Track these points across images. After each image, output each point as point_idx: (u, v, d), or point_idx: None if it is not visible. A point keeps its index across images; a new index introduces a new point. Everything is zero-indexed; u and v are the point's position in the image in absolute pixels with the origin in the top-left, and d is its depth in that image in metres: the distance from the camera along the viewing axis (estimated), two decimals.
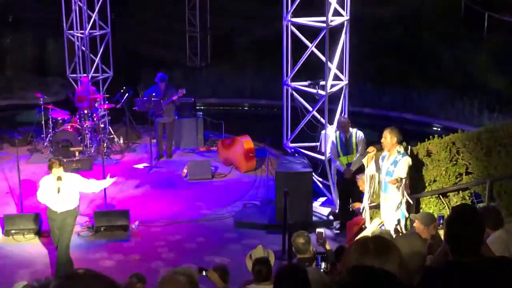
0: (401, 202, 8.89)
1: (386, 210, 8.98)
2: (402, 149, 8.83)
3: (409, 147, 9.69)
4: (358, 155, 11.02)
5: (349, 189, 10.89)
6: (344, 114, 11.75)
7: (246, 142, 13.92)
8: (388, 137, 8.77)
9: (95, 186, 9.70)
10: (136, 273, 7.38)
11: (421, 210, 9.72)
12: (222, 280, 6.75)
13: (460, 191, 9.75)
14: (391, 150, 8.80)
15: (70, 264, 9.51)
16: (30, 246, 10.69)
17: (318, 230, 7.66)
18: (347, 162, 11.09)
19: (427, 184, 9.97)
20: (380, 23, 20.91)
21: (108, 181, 9.77)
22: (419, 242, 4.05)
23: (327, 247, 7.52)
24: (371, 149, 9.18)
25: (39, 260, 10.27)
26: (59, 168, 9.09)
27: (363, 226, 9.43)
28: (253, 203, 12.37)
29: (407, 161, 8.77)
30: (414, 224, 7.12)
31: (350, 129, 11.15)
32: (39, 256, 10.40)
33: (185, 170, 13.58)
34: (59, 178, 9.10)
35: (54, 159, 9.52)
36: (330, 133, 11.42)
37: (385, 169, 8.86)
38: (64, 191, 9.21)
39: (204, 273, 6.64)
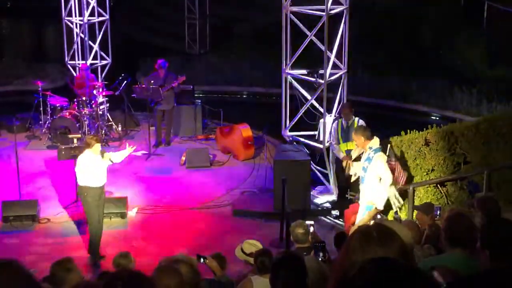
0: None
1: (362, 201, 9.10)
2: (374, 144, 8.87)
3: (389, 145, 9.72)
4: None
5: (348, 177, 10.90)
6: (343, 102, 11.74)
7: (245, 130, 13.91)
8: (359, 138, 8.98)
9: (118, 157, 9.97)
10: (122, 254, 6.97)
11: (417, 199, 9.74)
12: (220, 268, 6.77)
13: (458, 181, 9.76)
14: (365, 147, 8.95)
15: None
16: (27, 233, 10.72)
17: (307, 222, 7.54)
18: (347, 149, 11.09)
19: (425, 174, 9.99)
20: (379, 11, 20.85)
21: (128, 150, 10.02)
22: (405, 232, 4.02)
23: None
24: (344, 163, 9.83)
25: (36, 246, 10.29)
26: (99, 143, 9.53)
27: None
28: (251, 191, 12.38)
29: (380, 158, 8.82)
30: (416, 214, 7.13)
31: (353, 116, 11.15)
32: (36, 242, 10.42)
33: (183, 158, 13.58)
34: (102, 152, 9.56)
35: (92, 135, 10.09)
36: (329, 122, 11.41)
37: (361, 165, 9.07)
38: (100, 166, 9.53)
39: (202, 260, 6.65)
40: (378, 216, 8.69)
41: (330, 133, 11.40)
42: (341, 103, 11.71)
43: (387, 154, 9.38)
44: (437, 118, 17.40)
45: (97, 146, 9.44)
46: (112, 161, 9.90)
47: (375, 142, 8.91)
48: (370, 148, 8.87)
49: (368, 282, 2.21)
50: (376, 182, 8.84)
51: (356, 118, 11.21)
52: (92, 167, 9.50)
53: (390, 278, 2.19)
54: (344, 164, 10.89)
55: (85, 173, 9.55)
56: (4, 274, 2.35)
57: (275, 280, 4.78)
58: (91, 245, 9.84)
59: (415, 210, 7.11)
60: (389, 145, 9.83)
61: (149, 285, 2.79)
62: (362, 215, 8.90)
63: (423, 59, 19.23)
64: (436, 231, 6.48)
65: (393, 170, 9.37)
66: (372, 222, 7.30)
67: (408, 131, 10.58)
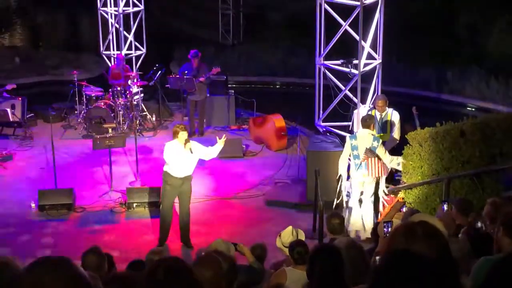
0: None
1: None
2: (355, 132, 10.02)
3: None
4: (392, 135, 10.99)
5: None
6: (377, 93, 11.64)
7: (278, 121, 13.90)
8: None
9: (213, 151, 9.88)
10: (93, 248, 5.81)
11: (452, 191, 9.64)
12: (259, 259, 6.80)
13: (493, 173, 9.62)
14: None
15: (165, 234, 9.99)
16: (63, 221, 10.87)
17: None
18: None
19: (460, 165, 9.87)
20: (414, 0, 20.62)
21: (221, 142, 9.86)
22: (439, 226, 3.97)
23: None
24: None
25: (72, 235, 10.43)
26: (185, 132, 9.45)
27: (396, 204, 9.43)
28: (284, 181, 12.38)
29: (346, 141, 10.14)
30: (450, 209, 7.01)
31: (387, 108, 11.09)
32: (71, 231, 10.56)
33: None
34: (187, 141, 9.43)
35: (179, 124, 9.89)
36: (363, 113, 11.33)
37: None
38: (184, 156, 9.48)
39: (236, 248, 6.73)
40: (405, 208, 8.61)
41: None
42: (376, 93, 11.61)
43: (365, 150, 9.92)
44: (473, 109, 17.17)
45: (182, 135, 9.40)
46: (205, 157, 9.84)
47: (360, 131, 9.96)
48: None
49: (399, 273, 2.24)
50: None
51: (391, 110, 11.13)
52: (174, 155, 9.52)
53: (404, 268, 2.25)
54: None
55: (167, 160, 9.64)
56: (56, 272, 2.38)
57: (311, 272, 4.76)
58: (160, 230, 10.01)
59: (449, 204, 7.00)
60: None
61: (188, 273, 2.82)
62: None
63: (459, 48, 18.97)
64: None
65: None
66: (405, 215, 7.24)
67: (444, 122, 10.45)
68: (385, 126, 11.09)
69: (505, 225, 4.31)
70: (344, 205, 10.35)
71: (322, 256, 4.70)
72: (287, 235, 6.86)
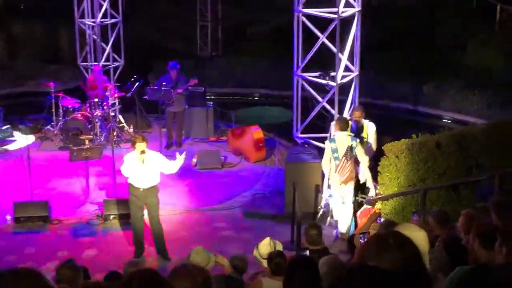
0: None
1: None
2: (336, 136, 10.22)
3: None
4: (368, 146, 11.04)
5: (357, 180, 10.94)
6: (355, 105, 11.71)
7: (256, 132, 13.92)
8: (334, 126, 10.44)
9: (173, 166, 9.78)
10: (67, 262, 5.80)
11: (429, 203, 9.70)
12: (239, 270, 6.77)
13: (469, 184, 9.70)
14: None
15: (140, 246, 9.95)
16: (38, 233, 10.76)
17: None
18: None
19: (436, 177, 9.94)
20: (391, 13, 20.79)
21: (181, 158, 9.78)
22: (421, 235, 3.98)
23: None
24: None
25: (47, 247, 10.32)
26: (143, 143, 9.33)
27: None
28: (262, 193, 12.37)
29: (326, 146, 10.37)
30: (429, 220, 7.04)
31: (363, 120, 11.15)
32: (47, 243, 10.46)
33: (194, 160, 13.59)
34: (142, 152, 9.32)
35: (137, 134, 9.89)
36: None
37: None
38: (147, 166, 9.41)
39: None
40: (382, 219, 8.68)
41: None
42: (353, 105, 11.68)
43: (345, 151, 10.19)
44: (450, 121, 17.33)
45: (138, 146, 9.33)
46: (166, 171, 9.72)
47: (339, 134, 10.18)
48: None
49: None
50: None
51: (366, 121, 11.20)
52: (131, 166, 9.50)
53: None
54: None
55: (123, 171, 9.66)
56: (25, 284, 2.36)
57: (289, 282, 4.75)
58: (133, 242, 9.99)
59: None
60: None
61: (164, 285, 2.80)
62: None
63: (436, 62, 19.15)
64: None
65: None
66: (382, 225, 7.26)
67: (420, 133, 10.54)
68: (361, 138, 11.12)
69: (480, 236, 4.34)
70: (321, 214, 10.47)
71: (300, 267, 4.70)
72: (265, 246, 6.85)
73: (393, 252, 2.51)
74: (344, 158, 10.05)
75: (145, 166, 9.41)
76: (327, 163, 10.37)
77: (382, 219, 8.72)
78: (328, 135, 11.64)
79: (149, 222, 9.93)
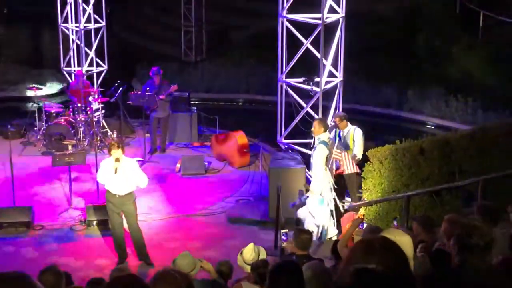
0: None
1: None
2: (323, 137, 10.33)
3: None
4: (354, 152, 11.06)
5: (343, 185, 11.01)
6: (338, 110, 11.74)
7: (240, 138, 13.91)
8: (317, 127, 10.41)
9: (143, 181, 9.69)
10: (50, 267, 5.71)
11: (412, 208, 9.74)
12: (224, 275, 6.75)
13: (453, 190, 9.76)
14: (315, 137, 10.45)
15: (122, 252, 9.91)
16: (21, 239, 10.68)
17: (282, 231, 7.60)
18: None
19: (419, 182, 9.99)
20: (375, 20, 20.89)
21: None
22: (406, 240, 4.00)
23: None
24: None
25: (30, 253, 10.25)
26: (117, 150, 9.30)
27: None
28: (246, 198, 12.36)
29: (320, 148, 10.24)
30: (413, 224, 7.07)
31: (349, 125, 11.18)
32: (30, 249, 10.38)
33: (178, 165, 13.56)
34: (117, 160, 9.30)
35: (114, 141, 9.92)
36: None
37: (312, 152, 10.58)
38: (122, 173, 9.38)
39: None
40: (364, 225, 8.71)
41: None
42: (337, 111, 11.71)
43: (335, 145, 10.88)
44: (433, 127, 17.42)
45: (113, 153, 9.31)
46: (135, 182, 9.64)
47: (325, 136, 10.35)
48: (318, 138, 10.32)
49: None
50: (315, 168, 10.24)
51: (353, 127, 11.21)
52: (108, 173, 9.48)
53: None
54: (339, 171, 10.98)
55: (98, 177, 9.70)
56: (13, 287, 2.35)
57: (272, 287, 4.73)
58: (115, 248, 9.95)
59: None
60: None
61: None
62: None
63: (419, 68, 19.26)
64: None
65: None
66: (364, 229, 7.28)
67: (404, 139, 10.59)
68: (347, 143, 11.16)
69: (458, 243, 4.38)
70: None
71: (287, 273, 4.67)
72: (249, 252, 6.84)
73: (380, 256, 2.52)
74: (340, 152, 10.37)
75: (119, 174, 9.37)
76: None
77: (365, 225, 8.73)
78: (311, 141, 11.64)
79: (128, 228, 9.89)
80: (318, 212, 10.37)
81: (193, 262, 6.45)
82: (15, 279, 2.39)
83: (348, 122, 11.31)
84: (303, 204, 10.56)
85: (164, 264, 8.85)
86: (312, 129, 10.59)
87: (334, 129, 11.34)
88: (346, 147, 11.14)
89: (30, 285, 2.38)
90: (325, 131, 10.38)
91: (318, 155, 10.26)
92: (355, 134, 11.17)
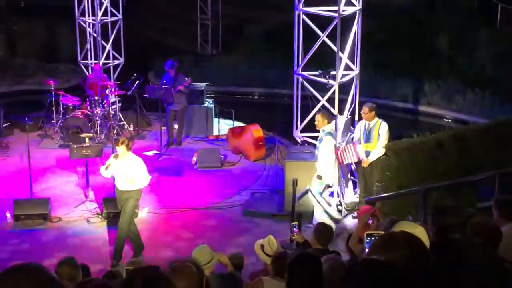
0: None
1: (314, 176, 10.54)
2: (327, 129, 10.48)
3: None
4: (377, 146, 10.97)
5: (365, 177, 11.01)
6: (354, 104, 11.69)
7: (256, 131, 13.90)
8: (320, 119, 10.53)
9: (142, 182, 9.71)
10: (67, 259, 5.76)
11: (429, 203, 9.69)
12: (237, 268, 6.78)
13: (470, 184, 9.70)
14: (320, 129, 10.57)
15: (138, 245, 9.91)
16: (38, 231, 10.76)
17: (292, 223, 7.62)
18: (366, 150, 11.07)
19: (436, 176, 9.94)
20: (393, 12, 20.79)
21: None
22: (420, 230, 3.97)
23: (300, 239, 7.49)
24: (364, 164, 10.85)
25: (46, 245, 10.32)
26: (120, 147, 9.39)
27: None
28: (262, 192, 12.37)
29: (328, 139, 10.40)
30: (429, 220, 7.02)
31: (376, 118, 11.08)
32: (47, 241, 10.46)
33: (194, 158, 13.59)
34: (115, 156, 9.43)
35: (122, 137, 9.91)
36: (340, 123, 11.37)
37: (317, 144, 10.72)
38: (120, 170, 9.47)
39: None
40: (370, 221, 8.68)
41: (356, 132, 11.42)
42: (353, 104, 11.67)
43: (346, 138, 11.04)
44: (450, 121, 17.32)
45: (119, 149, 9.43)
46: (136, 180, 9.63)
47: (330, 127, 10.49)
48: (323, 130, 10.44)
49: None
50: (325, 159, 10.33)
51: (380, 120, 11.10)
52: (114, 167, 9.57)
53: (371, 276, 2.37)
54: (363, 164, 10.93)
55: (103, 169, 9.74)
56: (28, 278, 2.36)
57: (291, 279, 4.74)
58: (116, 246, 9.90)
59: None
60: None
61: (166, 281, 2.80)
62: (314, 186, 10.53)
63: (436, 61, 19.15)
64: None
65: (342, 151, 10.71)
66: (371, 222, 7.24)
67: (421, 133, 10.54)
68: (371, 136, 11.05)
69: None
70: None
71: (303, 263, 4.67)
72: (271, 243, 6.85)
73: (402, 250, 2.52)
74: (347, 144, 10.53)
75: (111, 170, 9.50)
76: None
77: (373, 221, 8.71)
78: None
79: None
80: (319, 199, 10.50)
81: (210, 255, 6.48)
82: (31, 271, 2.41)
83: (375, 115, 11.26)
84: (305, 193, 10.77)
85: (180, 256, 8.88)
86: (316, 122, 10.72)
87: (361, 121, 11.28)
88: (368, 139, 11.05)
89: (46, 276, 2.40)
90: (328, 123, 10.49)
91: (328, 146, 10.38)
92: (380, 128, 11.08)
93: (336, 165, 10.67)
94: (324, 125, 10.48)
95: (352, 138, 11.35)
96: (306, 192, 10.68)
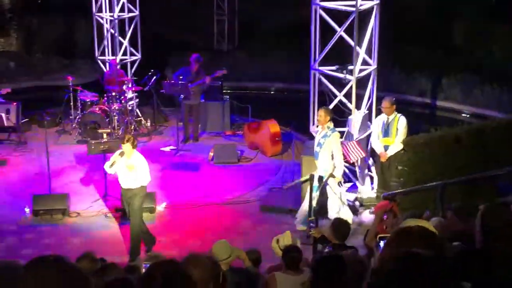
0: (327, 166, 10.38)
1: (316, 173, 10.42)
2: (332, 125, 10.39)
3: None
4: (396, 141, 10.95)
5: (383, 172, 10.99)
6: (372, 99, 11.65)
7: (272, 126, 13.90)
8: (323, 115, 10.33)
9: (145, 179, 9.72)
10: (86, 254, 5.98)
11: (447, 198, 9.64)
12: (254, 263, 6.80)
13: (488, 179, 9.64)
14: (323, 126, 10.36)
15: (149, 240, 9.96)
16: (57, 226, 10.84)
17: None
18: (384, 145, 11.07)
19: (454, 171, 9.89)
20: (410, 6, 20.66)
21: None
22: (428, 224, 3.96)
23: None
24: (383, 158, 10.93)
25: (65, 240, 10.39)
26: (125, 144, 9.43)
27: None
28: (279, 187, 12.36)
29: (337, 135, 10.35)
30: (448, 215, 7.00)
31: (395, 112, 11.07)
32: (65, 236, 10.53)
33: (211, 154, 13.61)
34: (121, 154, 9.46)
35: (127, 135, 9.92)
36: (358, 118, 11.34)
37: (317, 141, 10.50)
38: (124, 168, 9.48)
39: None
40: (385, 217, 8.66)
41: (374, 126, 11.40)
42: (370, 99, 11.62)
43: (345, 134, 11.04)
44: (468, 116, 17.22)
45: (124, 146, 9.45)
46: (139, 178, 9.66)
47: (331, 124, 10.38)
48: (329, 127, 10.32)
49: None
50: (329, 157, 10.29)
51: (398, 115, 11.09)
52: (118, 164, 9.60)
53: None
54: (382, 159, 10.93)
55: (107, 165, 9.76)
56: (54, 270, 2.39)
57: (316, 279, 4.75)
58: (131, 243, 9.95)
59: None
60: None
61: (185, 275, 2.81)
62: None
63: (454, 55, 19.02)
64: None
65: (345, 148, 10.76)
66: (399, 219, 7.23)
67: (438, 128, 10.48)
68: (389, 131, 11.04)
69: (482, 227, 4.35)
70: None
71: (328, 265, 4.67)
72: (287, 238, 6.86)
73: (419, 244, 2.53)
74: (351, 142, 10.61)
75: (116, 167, 9.52)
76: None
77: (388, 216, 8.69)
78: (345, 130, 11.58)
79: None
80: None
81: (229, 250, 6.50)
82: (55, 262, 2.43)
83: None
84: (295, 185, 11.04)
85: (199, 251, 8.91)
86: (318, 117, 10.56)
87: (379, 115, 11.26)
88: (387, 133, 11.04)
89: (69, 267, 2.42)
90: (330, 119, 10.40)
91: (337, 141, 10.35)
92: (399, 122, 11.06)
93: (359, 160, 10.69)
94: (327, 122, 10.39)
95: (369, 134, 11.32)
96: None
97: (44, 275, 2.36)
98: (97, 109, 14.41)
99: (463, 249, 3.60)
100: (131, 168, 9.46)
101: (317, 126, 10.95)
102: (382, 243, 4.45)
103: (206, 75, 14.28)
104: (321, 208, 10.40)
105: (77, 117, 14.82)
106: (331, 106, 11.46)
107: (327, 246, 6.99)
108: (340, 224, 7.17)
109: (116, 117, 14.40)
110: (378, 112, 11.37)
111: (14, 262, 2.99)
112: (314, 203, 10.09)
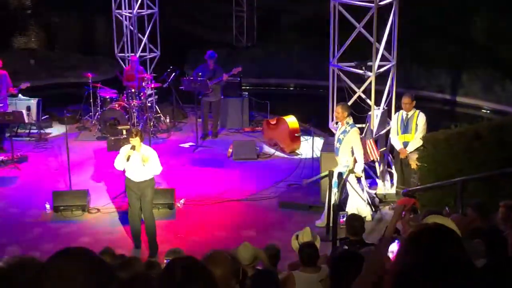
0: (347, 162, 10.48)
1: (336, 169, 10.47)
2: (351, 121, 10.48)
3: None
4: (416, 137, 10.92)
5: (403, 169, 10.96)
6: (391, 95, 11.60)
7: (292, 123, 13.89)
8: (340, 111, 10.42)
9: (156, 169, 9.76)
10: (106, 250, 6.31)
11: (467, 193, 9.58)
12: (271, 262, 6.78)
13: (509, 175, 9.55)
14: (343, 121, 10.45)
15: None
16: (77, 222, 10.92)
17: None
18: (404, 141, 11.04)
19: (474, 168, 9.81)
20: (429, 2, 20.52)
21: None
22: (449, 222, 3.95)
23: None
24: (402, 155, 11.04)
25: (86, 236, 10.46)
26: (135, 138, 9.42)
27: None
28: (298, 183, 12.35)
29: (356, 131, 10.40)
30: (468, 212, 6.96)
31: (414, 109, 11.08)
32: (86, 232, 10.60)
33: (230, 150, 13.64)
34: (133, 147, 9.45)
35: (134, 129, 9.96)
36: (377, 115, 11.30)
37: (337, 137, 10.58)
38: (135, 160, 9.49)
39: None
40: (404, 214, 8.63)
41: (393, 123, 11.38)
42: (390, 95, 11.57)
43: (365, 131, 10.98)
44: (488, 112, 17.08)
45: (131, 141, 9.45)
46: (151, 170, 9.69)
47: (350, 120, 10.45)
48: (347, 123, 10.40)
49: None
50: (349, 152, 10.38)
51: (418, 111, 11.10)
52: (129, 159, 9.60)
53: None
54: (401, 156, 10.91)
55: (117, 162, 9.76)
56: (78, 261, 2.41)
57: (335, 276, 4.74)
58: (131, 234, 10.05)
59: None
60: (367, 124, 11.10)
61: (206, 272, 2.82)
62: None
63: (473, 51, 18.87)
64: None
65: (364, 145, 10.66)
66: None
67: (458, 124, 10.41)
68: (408, 127, 11.03)
69: None
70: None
71: (347, 262, 4.67)
72: (306, 234, 6.86)
73: (437, 242, 2.52)
74: (369, 140, 10.65)
75: (132, 161, 9.48)
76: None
77: (407, 214, 8.65)
78: (365, 126, 11.53)
79: (143, 215, 9.86)
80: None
81: (254, 253, 6.46)
82: (80, 253, 2.45)
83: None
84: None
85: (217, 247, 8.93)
86: (336, 114, 10.67)
87: (398, 112, 11.25)
88: (406, 130, 11.03)
89: (92, 258, 2.44)
90: (348, 115, 10.43)
91: (356, 137, 10.38)
92: (418, 118, 11.05)
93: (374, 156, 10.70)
94: (345, 117, 10.42)
95: (388, 130, 11.29)
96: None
97: (69, 266, 2.38)
98: (116, 105, 14.48)
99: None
100: (146, 160, 9.49)
101: (337, 123, 10.95)
102: (396, 242, 4.45)
103: (223, 73, 14.29)
104: (341, 204, 10.39)
105: (97, 113, 14.91)
106: (350, 102, 11.43)
107: (346, 243, 6.98)
108: (353, 219, 7.17)
109: (135, 114, 14.47)
110: (398, 109, 11.34)
111: (33, 258, 3.02)
112: (333, 199, 10.08)
